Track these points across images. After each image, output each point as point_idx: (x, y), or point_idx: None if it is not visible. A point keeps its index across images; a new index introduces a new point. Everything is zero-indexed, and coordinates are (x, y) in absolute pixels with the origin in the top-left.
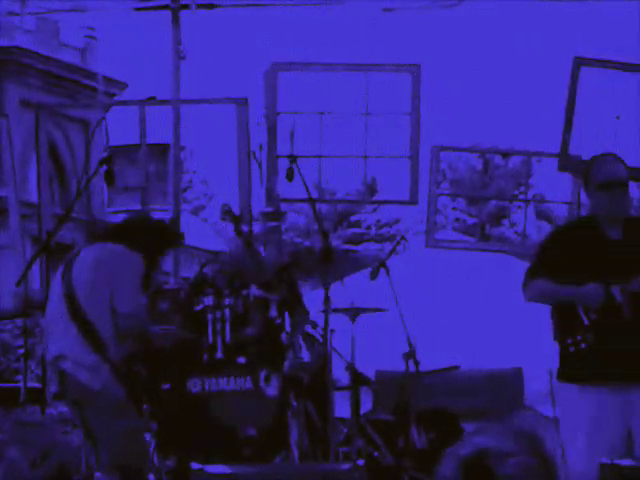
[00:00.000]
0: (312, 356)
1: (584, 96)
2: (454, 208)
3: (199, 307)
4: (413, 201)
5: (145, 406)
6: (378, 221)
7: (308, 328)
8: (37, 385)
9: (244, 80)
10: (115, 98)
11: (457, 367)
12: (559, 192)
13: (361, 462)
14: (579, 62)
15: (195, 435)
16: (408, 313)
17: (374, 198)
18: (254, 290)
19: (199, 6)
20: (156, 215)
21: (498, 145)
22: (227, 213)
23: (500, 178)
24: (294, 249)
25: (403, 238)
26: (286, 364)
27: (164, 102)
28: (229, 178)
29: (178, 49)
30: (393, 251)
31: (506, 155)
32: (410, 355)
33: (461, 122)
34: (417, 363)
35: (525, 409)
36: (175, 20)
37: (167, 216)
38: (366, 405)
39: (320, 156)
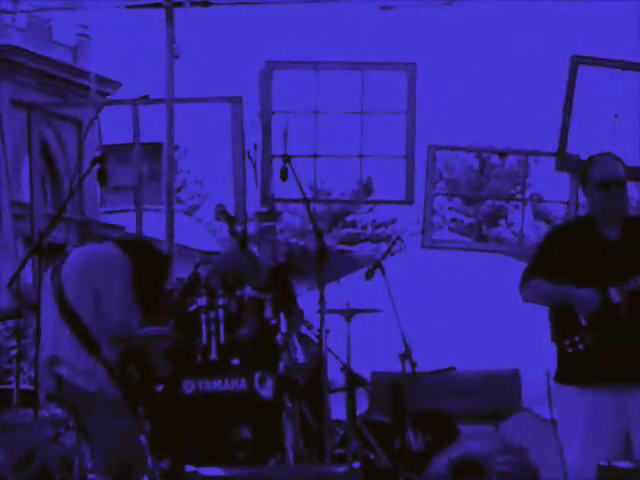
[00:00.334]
0: (307, 357)
1: (582, 95)
2: (450, 208)
3: (193, 308)
4: (409, 201)
5: (140, 408)
6: (374, 221)
7: (303, 329)
8: (29, 387)
9: (239, 79)
10: (108, 97)
11: (453, 368)
12: (557, 192)
13: (357, 465)
14: (577, 61)
15: (189, 437)
16: (404, 314)
17: (370, 198)
18: (248, 291)
19: (193, 4)
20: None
21: (495, 144)
22: (221, 213)
23: (497, 178)
24: (289, 249)
25: (399, 238)
26: (281, 365)
27: (158, 101)
28: (223, 178)
29: (172, 47)
30: (389, 251)
31: (503, 154)
32: (406, 356)
33: (457, 121)
34: (413, 364)
35: (523, 411)
36: (169, 18)
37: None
38: (362, 407)
39: (315, 156)
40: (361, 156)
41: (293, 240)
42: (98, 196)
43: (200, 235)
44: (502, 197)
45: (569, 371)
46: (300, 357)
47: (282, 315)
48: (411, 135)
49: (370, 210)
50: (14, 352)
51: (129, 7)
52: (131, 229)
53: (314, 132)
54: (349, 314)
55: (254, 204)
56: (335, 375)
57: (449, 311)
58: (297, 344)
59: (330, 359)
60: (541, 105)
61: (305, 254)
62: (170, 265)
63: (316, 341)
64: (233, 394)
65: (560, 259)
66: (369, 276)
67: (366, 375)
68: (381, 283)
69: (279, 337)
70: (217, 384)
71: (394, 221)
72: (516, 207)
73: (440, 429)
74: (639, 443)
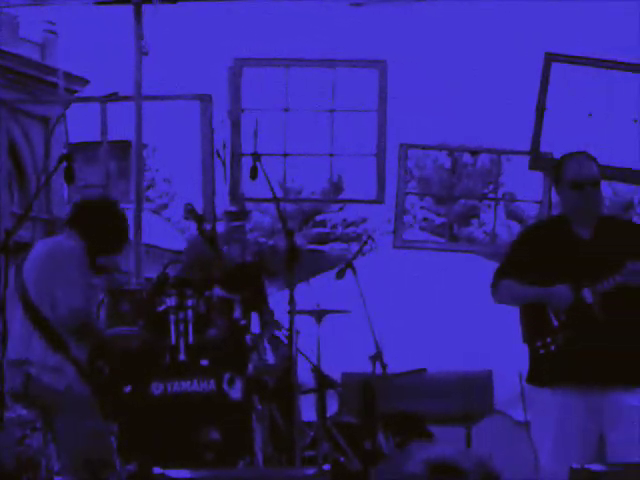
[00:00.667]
0: (277, 358)
1: (556, 93)
2: (422, 207)
3: (162, 308)
4: (380, 200)
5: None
6: (344, 220)
7: (273, 330)
8: None
9: (208, 76)
10: (76, 94)
11: (425, 370)
12: (529, 191)
13: (327, 467)
14: (550, 58)
15: (157, 439)
16: (375, 314)
17: (340, 197)
18: (217, 291)
19: (162, 1)
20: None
21: (467, 143)
22: (190, 212)
23: (469, 177)
24: (258, 249)
25: (370, 238)
26: (250, 366)
27: (126, 98)
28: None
29: (140, 44)
30: (360, 251)
31: (475, 153)
32: (377, 357)
33: (429, 119)
34: (384, 365)
35: (496, 413)
36: (137, 15)
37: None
38: (332, 408)
39: (285, 154)
40: (332, 154)
41: (262, 239)
42: (65, 194)
43: (169, 234)
44: (474, 196)
45: (541, 372)
46: (270, 358)
47: (253, 315)
48: (382, 133)
49: (340, 209)
50: None
51: (97, 3)
52: None
53: (284, 130)
54: (319, 315)
55: (223, 203)
56: (305, 376)
57: (420, 311)
58: (267, 345)
59: (300, 360)
60: (514, 103)
61: (275, 253)
62: (127, 220)
63: (286, 342)
64: (202, 395)
65: (532, 259)
66: (340, 276)
67: (336, 376)
68: (352, 283)
69: (248, 338)
70: (186, 385)
71: (365, 220)
72: (488, 206)
73: (411, 430)
74: (613, 445)
